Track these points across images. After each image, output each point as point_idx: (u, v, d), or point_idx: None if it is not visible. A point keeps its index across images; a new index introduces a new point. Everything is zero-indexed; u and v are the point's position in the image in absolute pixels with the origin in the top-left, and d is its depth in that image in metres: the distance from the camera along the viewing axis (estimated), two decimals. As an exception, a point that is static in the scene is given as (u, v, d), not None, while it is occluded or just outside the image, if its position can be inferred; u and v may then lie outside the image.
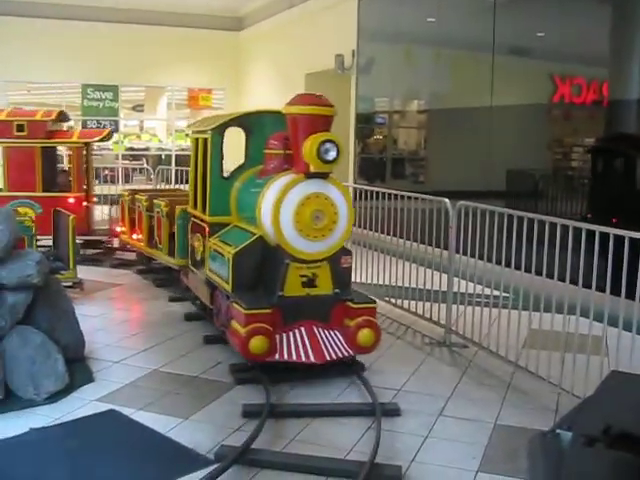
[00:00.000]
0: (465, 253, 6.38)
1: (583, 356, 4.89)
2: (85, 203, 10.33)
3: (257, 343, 5.02)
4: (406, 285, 7.26)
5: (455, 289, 6.53)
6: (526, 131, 9.75)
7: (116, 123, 19.41)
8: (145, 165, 17.78)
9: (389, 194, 7.93)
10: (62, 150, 12.97)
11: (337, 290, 5.46)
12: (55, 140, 10.34)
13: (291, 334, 5.24)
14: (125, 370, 5.61)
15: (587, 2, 9.04)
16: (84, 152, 10.61)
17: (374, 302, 5.63)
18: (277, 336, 5.17)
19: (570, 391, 4.93)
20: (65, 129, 11.02)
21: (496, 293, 5.96)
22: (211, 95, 21.80)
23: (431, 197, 7.10)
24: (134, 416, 4.72)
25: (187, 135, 23.55)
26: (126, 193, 9.42)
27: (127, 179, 14.62)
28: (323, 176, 5.37)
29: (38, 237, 7.62)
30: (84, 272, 8.43)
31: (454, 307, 6.51)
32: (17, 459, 4.14)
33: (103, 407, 4.85)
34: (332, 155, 5.22)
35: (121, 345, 6.23)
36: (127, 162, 18.99)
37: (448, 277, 6.55)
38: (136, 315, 7.48)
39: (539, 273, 5.40)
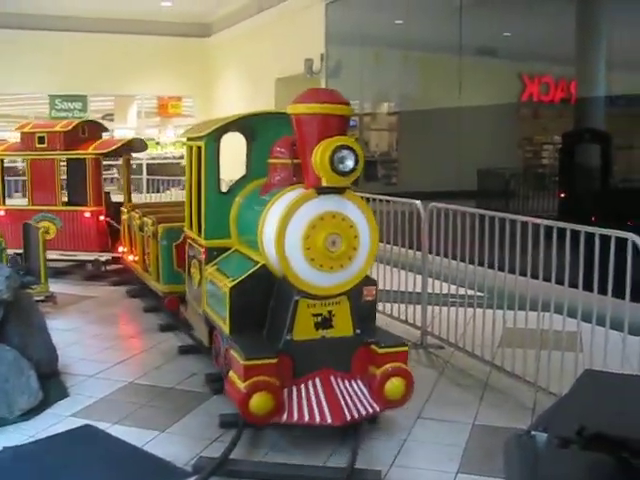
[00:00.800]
0: (438, 254, 6.40)
1: (558, 353, 4.92)
2: (102, 217, 9.36)
3: (259, 402, 4.13)
4: (380, 287, 7.25)
5: (430, 290, 6.54)
6: (496, 130, 9.82)
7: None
8: (116, 175, 17.60)
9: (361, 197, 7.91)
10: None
11: (359, 331, 4.52)
12: (67, 152, 9.51)
13: (303, 388, 4.35)
14: (100, 384, 5.55)
15: (552, 2, 9.13)
16: (103, 163, 9.57)
17: (405, 345, 4.68)
18: (285, 390, 4.29)
19: (546, 388, 4.96)
20: (103, 139, 10.07)
21: (470, 293, 5.98)
22: (181, 103, 21.73)
23: (403, 200, 7.11)
24: (110, 430, 4.66)
25: (157, 143, 23.42)
26: (125, 210, 8.47)
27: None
28: (339, 191, 4.40)
29: (62, 251, 7.32)
30: (56, 286, 8.33)
31: (429, 308, 6.52)
32: (-9, 479, 4.08)
33: (78, 422, 4.79)
34: (349, 165, 4.27)
35: (95, 359, 6.15)
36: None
37: (422, 278, 6.57)
38: (110, 327, 7.38)
39: (512, 271, 5.42)
